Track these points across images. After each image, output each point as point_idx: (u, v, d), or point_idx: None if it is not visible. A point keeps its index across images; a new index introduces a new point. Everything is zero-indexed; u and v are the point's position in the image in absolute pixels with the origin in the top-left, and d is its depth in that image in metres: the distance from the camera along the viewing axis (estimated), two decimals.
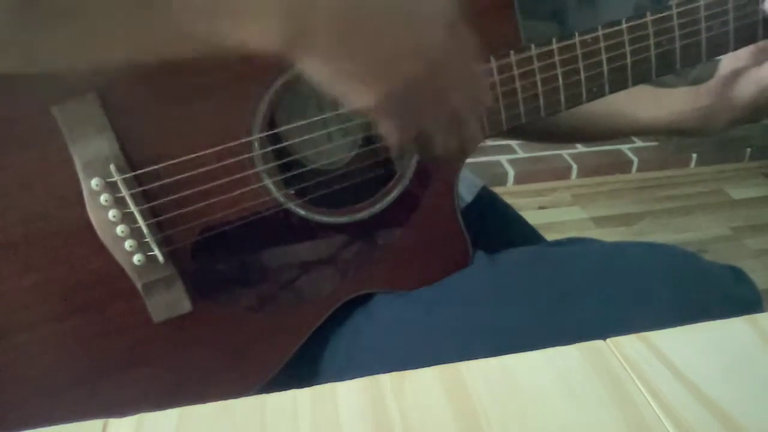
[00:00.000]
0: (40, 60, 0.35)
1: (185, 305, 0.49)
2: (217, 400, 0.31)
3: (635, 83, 0.53)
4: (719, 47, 0.53)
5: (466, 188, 0.72)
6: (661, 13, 0.50)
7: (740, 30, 0.53)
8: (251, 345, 0.53)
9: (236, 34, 0.33)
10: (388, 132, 0.40)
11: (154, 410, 0.30)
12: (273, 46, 0.34)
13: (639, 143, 2.25)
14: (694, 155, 2.23)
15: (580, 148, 2.20)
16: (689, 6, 0.51)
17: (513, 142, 2.17)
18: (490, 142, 2.01)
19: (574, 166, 2.11)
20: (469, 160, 0.56)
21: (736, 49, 0.54)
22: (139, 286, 0.47)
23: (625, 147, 2.23)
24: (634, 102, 0.64)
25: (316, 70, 0.36)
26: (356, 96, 0.37)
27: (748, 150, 2.30)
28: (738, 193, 2.16)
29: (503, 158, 2.10)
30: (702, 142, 2.22)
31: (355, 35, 0.35)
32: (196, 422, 0.30)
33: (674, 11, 0.50)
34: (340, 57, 0.36)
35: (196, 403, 0.31)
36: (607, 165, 2.16)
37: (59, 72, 0.38)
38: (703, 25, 0.51)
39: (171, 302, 0.49)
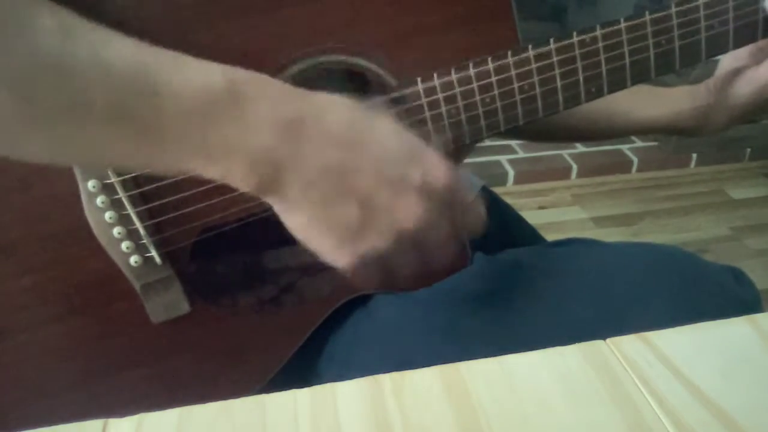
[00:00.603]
0: (23, 154, 0.36)
1: (184, 306, 0.49)
2: (217, 401, 0.31)
3: (634, 83, 0.52)
4: (719, 47, 0.53)
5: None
6: (660, 13, 0.50)
7: (740, 29, 0.52)
8: (250, 346, 0.53)
9: (217, 172, 0.36)
10: (362, 283, 0.41)
11: (154, 410, 0.30)
12: (250, 187, 0.36)
13: (639, 143, 2.25)
14: (694, 155, 2.23)
15: (580, 148, 2.20)
16: (688, 5, 0.51)
17: (513, 142, 2.17)
18: (490, 142, 2.01)
19: (574, 166, 2.11)
20: (469, 160, 0.56)
21: (735, 48, 0.54)
22: (137, 287, 0.47)
23: (625, 147, 2.23)
24: (632, 101, 0.64)
25: (291, 217, 0.38)
26: (329, 253, 0.38)
27: (748, 150, 2.30)
28: (738, 193, 2.16)
29: (503, 158, 2.10)
30: (702, 142, 2.22)
31: (333, 190, 0.37)
32: (196, 422, 0.30)
33: (673, 10, 0.50)
34: (315, 210, 0.37)
35: (196, 403, 0.31)
36: (607, 165, 2.16)
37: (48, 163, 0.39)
38: (702, 24, 0.51)
39: (169, 303, 0.49)
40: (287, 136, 0.35)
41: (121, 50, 0.34)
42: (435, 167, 0.38)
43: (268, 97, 0.36)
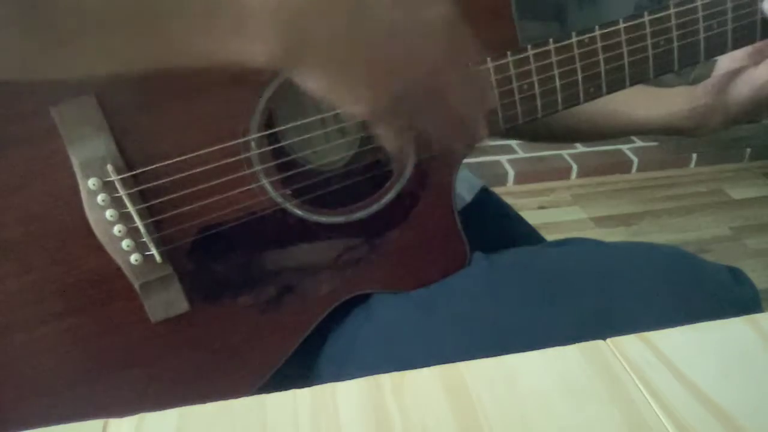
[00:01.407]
0: (32, 68, 0.35)
1: (183, 305, 0.49)
2: (217, 400, 0.31)
3: (633, 83, 0.53)
4: (718, 47, 0.53)
5: (466, 188, 0.72)
6: (658, 13, 0.50)
7: (739, 30, 0.53)
8: (249, 344, 0.53)
9: (231, 47, 0.34)
10: (386, 136, 0.40)
11: (154, 410, 0.30)
12: (268, 58, 0.34)
13: (639, 143, 2.26)
14: (694, 155, 2.24)
15: (580, 148, 2.20)
16: (687, 6, 0.51)
17: (513, 142, 2.17)
18: (490, 142, 2.01)
19: (574, 166, 2.11)
20: (469, 160, 0.56)
21: (734, 49, 0.54)
22: (136, 285, 0.47)
23: (625, 147, 2.23)
24: (631, 101, 0.64)
25: (310, 79, 0.36)
26: (351, 104, 0.37)
27: (748, 150, 2.30)
28: (738, 193, 2.16)
29: (503, 158, 2.10)
30: (702, 142, 2.22)
31: (349, 46, 0.35)
32: (196, 422, 0.30)
33: (672, 11, 0.50)
34: (333, 68, 0.36)
35: (196, 403, 0.31)
36: (607, 165, 2.16)
37: (54, 78, 0.38)
38: (701, 25, 0.51)
39: (169, 302, 0.49)
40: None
41: None
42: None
43: None
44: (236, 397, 0.31)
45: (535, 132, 0.71)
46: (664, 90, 0.65)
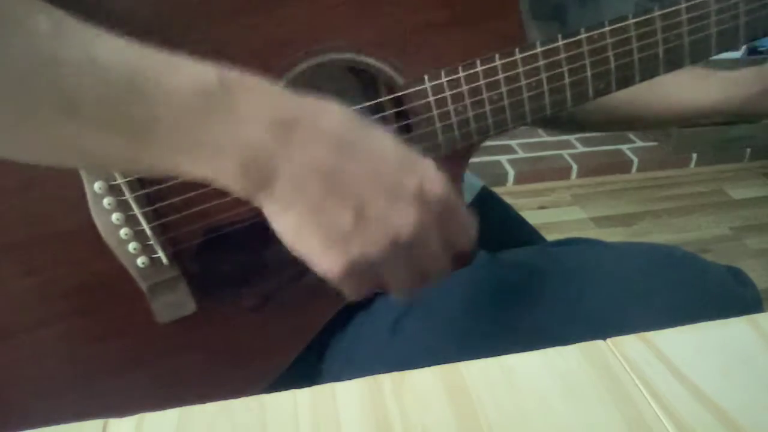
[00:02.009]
0: (13, 154, 0.37)
1: (190, 306, 0.49)
2: (218, 400, 0.31)
3: (642, 79, 0.52)
4: (729, 42, 0.52)
5: (466, 188, 0.72)
6: (669, 9, 0.50)
7: (751, 24, 0.52)
8: (255, 346, 0.53)
9: (205, 173, 0.35)
10: (350, 292, 0.39)
11: (155, 410, 0.30)
12: (239, 188, 0.36)
13: (639, 143, 2.26)
14: (694, 155, 2.24)
15: (580, 147, 2.20)
16: (699, 0, 0.50)
17: (513, 142, 2.18)
18: (490, 142, 2.01)
19: (574, 166, 2.11)
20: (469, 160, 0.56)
21: (746, 43, 0.53)
22: (143, 287, 0.47)
23: (625, 147, 2.23)
24: (696, 87, 0.63)
25: (280, 220, 0.37)
26: (317, 261, 0.37)
27: (748, 150, 2.30)
28: (738, 193, 2.16)
29: (503, 158, 2.10)
30: (702, 142, 2.22)
31: (324, 193, 0.36)
32: (196, 422, 0.30)
33: (683, 6, 0.50)
34: (305, 213, 0.36)
35: (198, 403, 0.31)
36: (607, 165, 2.16)
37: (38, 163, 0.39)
38: (713, 19, 0.51)
39: (175, 303, 0.49)
40: (279, 136, 0.35)
41: (114, 49, 0.34)
42: (431, 176, 0.38)
43: (261, 97, 0.35)
44: (238, 398, 0.31)
45: (588, 121, 0.70)
46: (729, 73, 0.63)
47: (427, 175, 0.38)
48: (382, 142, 0.37)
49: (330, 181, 0.36)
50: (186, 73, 0.34)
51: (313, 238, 0.37)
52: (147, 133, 0.34)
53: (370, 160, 0.36)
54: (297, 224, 0.36)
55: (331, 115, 0.37)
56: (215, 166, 0.35)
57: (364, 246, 0.37)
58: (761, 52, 2.07)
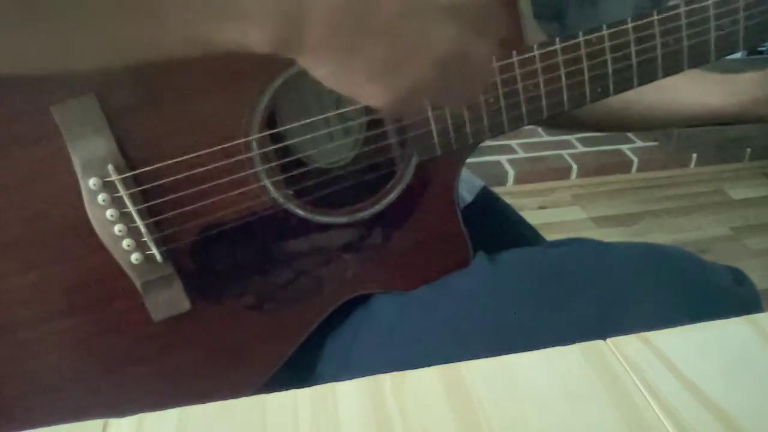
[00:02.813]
0: (30, 61, 0.34)
1: (184, 304, 0.49)
2: (217, 400, 0.31)
3: (641, 83, 0.52)
4: (728, 47, 0.52)
5: (466, 188, 0.72)
6: (668, 13, 0.50)
7: (751, 29, 0.52)
8: (250, 344, 0.53)
9: (232, 34, 0.33)
10: (396, 116, 0.38)
11: (154, 410, 0.30)
12: (270, 44, 0.33)
13: (639, 143, 2.26)
14: (694, 155, 2.24)
15: (580, 147, 2.20)
16: (697, 5, 0.50)
17: (513, 142, 2.18)
18: (490, 142, 2.01)
19: (574, 166, 2.11)
20: (469, 160, 0.56)
21: (744, 48, 0.53)
22: (138, 284, 0.47)
23: (625, 147, 2.23)
24: (700, 90, 0.63)
25: (318, 67, 0.35)
26: (365, 95, 0.36)
27: (748, 150, 2.30)
28: (738, 193, 2.16)
29: (503, 158, 2.10)
30: (702, 142, 2.22)
31: (356, 30, 0.34)
32: (196, 422, 0.30)
33: (682, 10, 0.50)
34: (342, 54, 0.35)
35: (196, 403, 0.31)
36: (607, 165, 2.16)
37: (49, 72, 0.37)
38: (712, 24, 0.51)
39: (170, 301, 0.49)
40: None
41: None
42: None
43: None
44: (236, 397, 0.31)
45: (589, 121, 0.70)
46: (733, 76, 0.63)
47: None
48: None
49: (360, 17, 0.34)
50: None
51: (355, 77, 0.35)
52: (170, 4, 0.32)
53: None
54: (336, 69, 0.35)
55: None
56: (241, 28, 0.33)
57: (408, 74, 0.36)
58: (761, 53, 2.07)
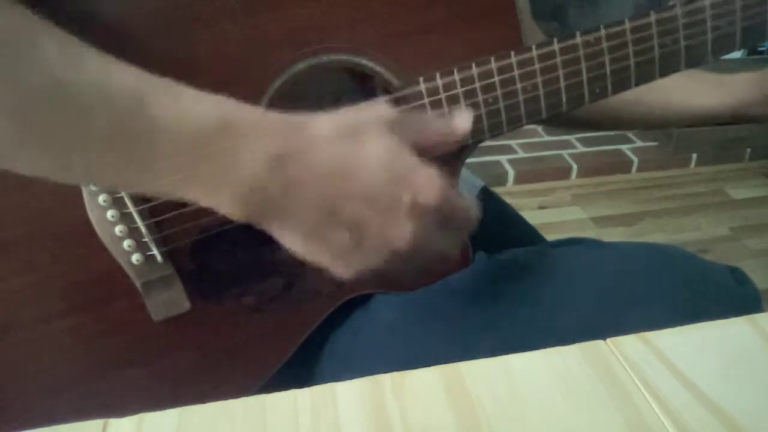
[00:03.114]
0: (17, 170, 0.37)
1: (184, 304, 0.49)
2: (217, 400, 0.31)
3: (638, 84, 0.52)
4: (725, 47, 0.53)
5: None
6: (665, 13, 0.50)
7: (748, 29, 0.52)
8: (250, 344, 0.53)
9: (210, 205, 0.37)
10: (363, 286, 0.43)
11: (154, 410, 0.30)
12: (243, 220, 0.38)
13: (639, 143, 2.26)
14: (694, 155, 2.24)
15: (580, 147, 2.20)
16: (695, 6, 0.50)
17: (513, 142, 2.18)
18: (490, 142, 2.02)
19: (574, 166, 2.11)
20: (469, 160, 0.56)
21: (742, 48, 0.53)
22: (138, 285, 0.47)
23: (625, 147, 2.23)
24: (697, 91, 0.64)
25: (286, 241, 0.39)
26: (330, 269, 0.40)
27: (748, 150, 2.30)
28: (738, 193, 2.16)
29: (503, 158, 2.10)
30: (702, 142, 2.22)
31: (320, 224, 0.38)
32: (196, 422, 0.30)
33: (679, 11, 0.50)
34: (307, 239, 0.39)
35: (196, 403, 0.31)
36: (607, 165, 2.16)
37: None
38: (709, 25, 0.51)
39: (170, 301, 0.49)
40: (275, 171, 0.36)
41: (123, 78, 0.35)
42: (425, 185, 0.39)
43: (258, 137, 0.37)
44: (236, 397, 0.31)
45: (587, 120, 0.71)
46: (730, 77, 0.63)
47: (420, 185, 0.39)
48: (374, 159, 0.38)
49: (326, 209, 0.38)
50: (186, 110, 0.36)
51: (319, 254, 0.40)
52: (150, 162, 0.36)
53: (362, 182, 0.38)
54: (301, 243, 0.39)
55: (323, 142, 0.38)
56: (215, 198, 0.37)
57: (368, 259, 0.40)
58: (761, 53, 2.07)
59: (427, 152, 0.41)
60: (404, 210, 0.38)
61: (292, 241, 0.39)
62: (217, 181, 0.36)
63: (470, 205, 0.43)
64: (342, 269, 0.40)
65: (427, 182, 0.39)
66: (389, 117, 0.40)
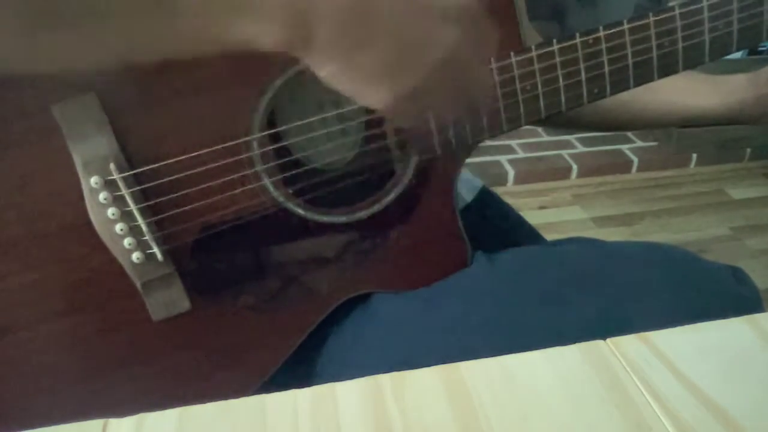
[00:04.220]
0: (41, 59, 0.35)
1: (184, 304, 0.49)
2: (217, 400, 0.31)
3: (636, 84, 0.52)
4: (722, 48, 0.53)
5: (466, 188, 0.72)
6: (663, 14, 0.50)
7: (745, 31, 0.52)
8: (250, 343, 0.53)
9: (240, 31, 0.34)
10: (398, 122, 0.39)
11: (154, 410, 0.30)
12: (278, 43, 0.34)
13: (639, 143, 2.26)
14: (694, 155, 2.24)
15: (580, 147, 2.20)
16: (692, 7, 0.51)
17: (513, 142, 2.18)
18: (490, 142, 2.01)
19: (574, 166, 2.11)
20: (469, 160, 0.56)
21: (738, 49, 0.54)
22: (138, 284, 0.47)
23: (625, 147, 2.23)
24: (688, 91, 0.64)
25: (323, 66, 0.36)
26: (368, 96, 0.37)
27: (748, 150, 2.30)
28: (738, 193, 2.16)
29: (503, 158, 2.10)
30: (702, 142, 2.22)
31: (361, 30, 0.35)
32: (196, 422, 0.30)
33: (677, 12, 0.50)
34: (347, 53, 0.35)
35: (196, 403, 0.31)
36: (607, 165, 2.16)
37: (60, 71, 0.38)
38: (706, 26, 0.51)
39: (170, 301, 0.49)
40: None
41: None
42: None
43: None
44: (236, 397, 0.31)
45: (584, 121, 0.71)
46: (724, 78, 0.64)
47: None
48: None
49: (362, 20, 0.35)
50: None
51: (358, 77, 0.36)
52: (184, 4, 0.33)
53: None
54: (340, 68, 0.36)
55: None
56: (254, 28, 0.34)
57: (410, 75, 0.37)
58: (761, 52, 2.07)
59: None
60: (443, 15, 0.36)
61: (330, 66, 0.36)
62: (252, 5, 0.33)
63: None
64: (383, 94, 0.37)
65: None
66: None
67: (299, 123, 0.51)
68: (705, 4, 0.50)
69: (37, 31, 0.33)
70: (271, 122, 0.51)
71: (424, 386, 0.32)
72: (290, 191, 0.51)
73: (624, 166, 2.18)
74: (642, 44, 0.50)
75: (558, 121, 0.70)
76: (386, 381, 0.32)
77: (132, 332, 0.50)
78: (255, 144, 0.48)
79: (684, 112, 0.65)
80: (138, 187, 0.46)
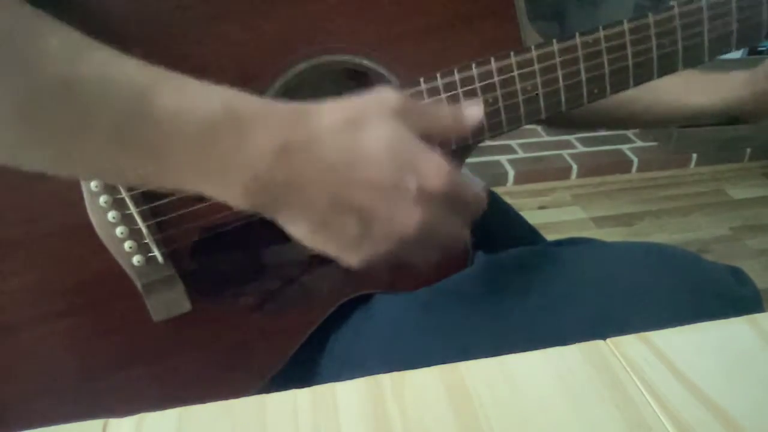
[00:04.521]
0: (22, 166, 0.37)
1: (185, 305, 0.49)
2: (217, 400, 0.31)
3: (636, 84, 0.52)
4: (721, 48, 0.53)
5: None
6: (663, 14, 0.50)
7: (743, 30, 0.52)
8: (251, 345, 0.53)
9: (215, 194, 0.37)
10: (372, 279, 0.42)
11: (154, 410, 0.30)
12: (250, 210, 0.38)
13: (639, 143, 2.26)
14: (694, 155, 2.24)
15: (580, 147, 2.20)
16: (691, 7, 0.51)
17: (513, 142, 2.18)
18: (490, 142, 2.02)
19: (574, 166, 2.11)
20: (469, 160, 0.56)
21: (738, 49, 0.54)
22: (139, 286, 0.47)
23: (625, 147, 2.23)
24: (687, 88, 0.64)
25: (294, 230, 0.39)
26: (338, 257, 0.40)
27: (748, 150, 2.30)
28: (738, 193, 2.16)
29: (503, 158, 2.10)
30: (702, 142, 2.22)
31: (328, 211, 0.38)
32: (196, 422, 0.30)
33: (676, 12, 0.50)
34: (315, 228, 0.39)
35: (196, 403, 0.31)
36: (607, 165, 2.16)
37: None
38: (705, 26, 0.51)
39: (171, 302, 0.49)
40: (281, 160, 0.36)
41: (125, 71, 0.35)
42: (431, 171, 0.38)
43: (263, 125, 0.37)
44: (236, 397, 0.31)
45: (584, 120, 0.71)
46: (720, 75, 0.64)
47: (427, 171, 0.38)
48: (380, 146, 0.38)
49: (333, 197, 0.37)
50: (192, 99, 0.36)
51: (327, 243, 0.39)
52: (156, 154, 0.35)
53: (368, 170, 0.38)
54: (309, 232, 0.39)
55: (328, 131, 0.38)
56: (222, 189, 0.37)
57: (376, 247, 0.39)
58: (761, 52, 2.07)
59: (434, 141, 0.40)
60: (411, 196, 0.38)
61: (300, 230, 0.39)
62: (223, 170, 0.36)
63: (477, 191, 0.42)
64: (350, 258, 0.40)
65: (433, 168, 0.39)
66: (395, 103, 0.39)
67: None
68: (704, 3, 0.50)
69: (24, 147, 0.36)
70: None
71: (424, 386, 0.32)
72: None
73: (624, 166, 2.18)
74: (642, 44, 0.50)
75: (559, 120, 0.70)
76: (386, 381, 0.32)
77: (132, 333, 0.50)
78: None
79: (684, 110, 0.65)
80: (138, 191, 0.46)
